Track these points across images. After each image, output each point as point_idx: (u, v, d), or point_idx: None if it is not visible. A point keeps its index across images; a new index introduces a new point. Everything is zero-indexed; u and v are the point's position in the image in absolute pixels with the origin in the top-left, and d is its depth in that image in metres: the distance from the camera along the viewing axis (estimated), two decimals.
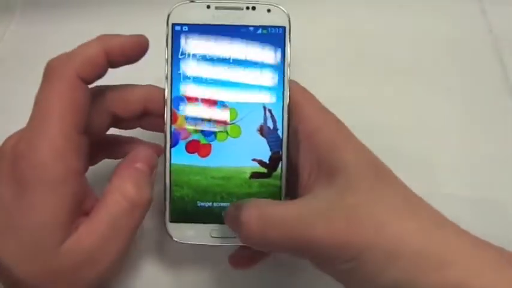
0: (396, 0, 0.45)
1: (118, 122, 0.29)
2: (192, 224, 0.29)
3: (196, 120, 0.29)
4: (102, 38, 0.25)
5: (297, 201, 0.24)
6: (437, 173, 0.36)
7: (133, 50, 0.26)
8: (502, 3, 0.44)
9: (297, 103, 0.27)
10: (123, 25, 0.45)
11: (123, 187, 0.25)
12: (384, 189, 0.23)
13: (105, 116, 0.28)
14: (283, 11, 0.28)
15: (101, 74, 0.26)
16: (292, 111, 0.28)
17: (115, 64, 0.26)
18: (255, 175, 0.29)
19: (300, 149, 0.26)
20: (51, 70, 0.24)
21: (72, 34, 0.46)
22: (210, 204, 0.29)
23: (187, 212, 0.29)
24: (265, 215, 0.23)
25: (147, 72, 0.33)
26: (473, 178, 0.36)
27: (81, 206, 0.25)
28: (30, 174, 0.23)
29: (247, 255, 0.30)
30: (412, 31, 0.43)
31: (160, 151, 0.32)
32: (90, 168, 0.27)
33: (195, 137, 0.29)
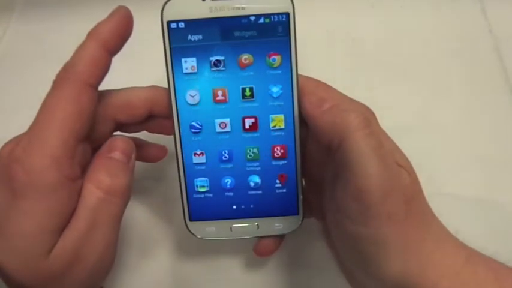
0: (397, 1, 0.45)
1: (122, 127, 0.29)
2: (212, 221, 0.29)
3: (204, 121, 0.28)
4: (92, 33, 0.25)
5: None
6: (437, 173, 0.36)
7: (124, 27, 0.25)
8: (502, 3, 0.44)
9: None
10: None
11: (96, 177, 0.25)
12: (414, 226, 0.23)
13: (108, 124, 0.27)
14: None
15: (106, 71, 0.25)
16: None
17: (115, 51, 0.25)
18: None
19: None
20: (57, 79, 0.24)
21: (71, 33, 0.46)
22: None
23: (205, 210, 0.29)
24: None
25: (148, 72, 0.33)
26: (473, 178, 0.36)
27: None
28: (23, 180, 0.22)
29: (268, 243, 0.30)
30: (412, 31, 0.43)
31: (165, 152, 0.32)
32: None
33: None
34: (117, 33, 0.25)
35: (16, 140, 0.24)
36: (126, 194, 0.26)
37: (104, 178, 0.25)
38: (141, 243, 0.35)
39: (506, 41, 0.42)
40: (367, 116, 0.24)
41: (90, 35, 0.25)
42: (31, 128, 0.24)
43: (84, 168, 0.25)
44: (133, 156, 0.27)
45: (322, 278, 0.33)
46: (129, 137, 0.28)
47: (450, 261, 0.23)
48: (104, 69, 0.25)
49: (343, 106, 0.25)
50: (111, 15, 0.25)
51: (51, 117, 0.23)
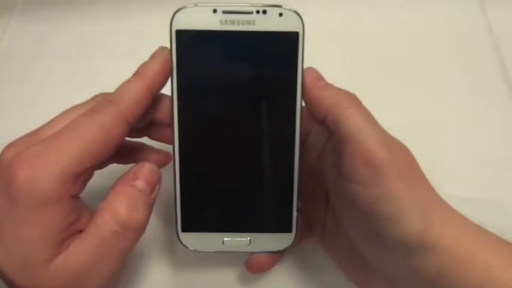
0: (397, 0, 0.45)
1: None
2: (204, 233, 0.29)
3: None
4: (140, 73, 0.25)
5: None
6: (437, 173, 0.36)
7: (168, 69, 0.26)
8: (502, 3, 0.44)
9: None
10: (123, 25, 0.45)
11: (114, 207, 0.24)
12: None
13: None
14: (297, 14, 0.26)
15: (144, 111, 0.26)
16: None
17: (158, 91, 0.26)
18: None
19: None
20: (98, 105, 0.25)
21: (71, 33, 0.46)
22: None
23: (198, 221, 0.29)
24: None
25: None
26: (473, 178, 0.36)
27: (74, 225, 0.24)
28: (24, 185, 0.22)
29: (262, 260, 0.29)
30: (412, 31, 0.43)
31: (169, 159, 0.31)
32: (96, 172, 0.27)
33: None
34: (161, 74, 0.26)
35: (23, 144, 0.24)
36: (142, 229, 0.25)
37: (122, 210, 0.24)
38: (137, 250, 0.34)
39: (506, 41, 0.43)
40: (356, 97, 0.26)
41: (137, 74, 0.25)
42: (52, 137, 0.24)
43: (85, 184, 0.25)
44: (157, 187, 0.26)
45: (322, 278, 0.33)
46: (156, 167, 0.27)
47: (464, 223, 0.24)
48: (143, 110, 0.25)
49: (336, 87, 0.27)
50: (155, 56, 0.26)
51: (80, 136, 0.23)
